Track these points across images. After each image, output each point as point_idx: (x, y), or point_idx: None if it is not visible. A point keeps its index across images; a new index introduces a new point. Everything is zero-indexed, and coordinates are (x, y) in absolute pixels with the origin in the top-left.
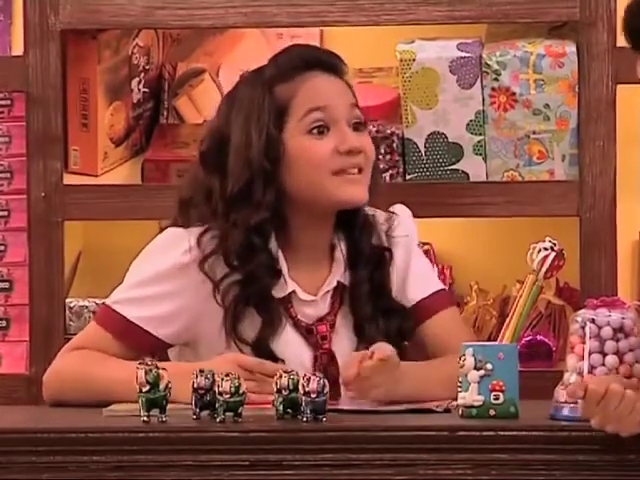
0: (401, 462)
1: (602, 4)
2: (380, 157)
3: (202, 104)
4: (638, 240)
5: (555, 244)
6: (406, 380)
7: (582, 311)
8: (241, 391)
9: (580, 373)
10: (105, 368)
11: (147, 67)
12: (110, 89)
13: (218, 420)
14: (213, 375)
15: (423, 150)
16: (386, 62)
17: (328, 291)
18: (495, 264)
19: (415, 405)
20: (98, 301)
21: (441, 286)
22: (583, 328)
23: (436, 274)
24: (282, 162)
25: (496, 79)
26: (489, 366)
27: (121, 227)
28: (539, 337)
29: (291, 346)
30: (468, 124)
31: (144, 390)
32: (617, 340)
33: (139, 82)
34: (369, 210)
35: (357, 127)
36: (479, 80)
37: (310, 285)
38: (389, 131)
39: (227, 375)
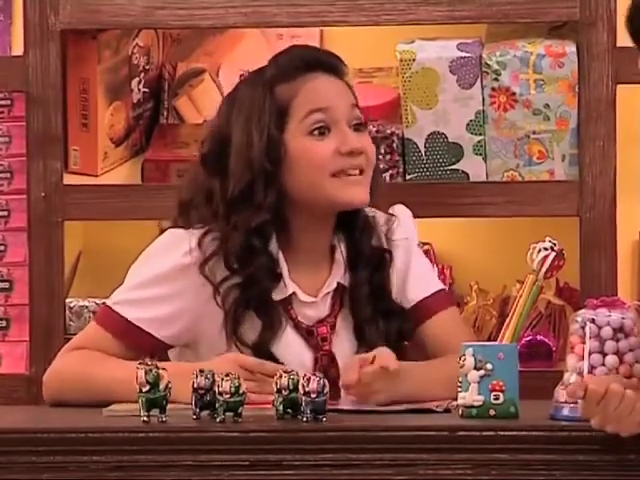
0: (401, 462)
1: (602, 4)
2: (380, 157)
3: (202, 104)
4: (638, 240)
5: (555, 244)
6: (406, 380)
7: (582, 311)
8: (241, 391)
9: (580, 373)
10: (105, 368)
11: (147, 67)
12: (110, 89)
13: (218, 420)
14: (213, 375)
15: (423, 150)
16: (386, 62)
17: (328, 292)
18: (495, 264)
19: (415, 405)
20: (98, 301)
21: (441, 286)
22: (583, 328)
23: (436, 274)
24: (283, 163)
25: (496, 79)
26: (489, 366)
27: (121, 227)
28: (539, 337)
29: (292, 348)
30: (468, 124)
31: (144, 390)
32: (617, 340)
33: (139, 82)
34: (369, 211)
35: (358, 127)
36: (479, 80)
37: (310, 286)
38: (389, 131)
39: (227, 375)
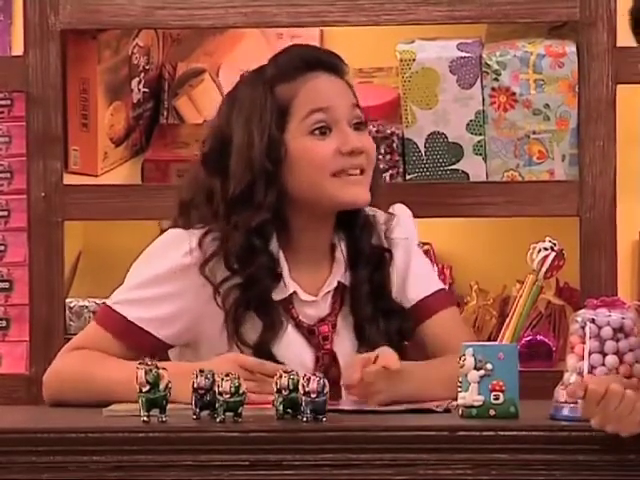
0: (401, 462)
1: (602, 4)
2: (380, 157)
3: (202, 104)
4: (638, 240)
5: (555, 244)
6: (407, 380)
7: (582, 311)
8: (241, 391)
9: (580, 373)
10: (105, 368)
11: (147, 67)
12: (110, 89)
13: (218, 420)
14: (213, 375)
15: (423, 150)
16: (386, 62)
17: (329, 291)
18: (495, 264)
19: (415, 405)
20: (98, 301)
21: (441, 286)
22: (583, 328)
23: (436, 274)
24: (284, 163)
25: (496, 79)
26: (489, 366)
27: (121, 227)
28: (539, 337)
29: (293, 347)
30: (468, 124)
31: (144, 390)
32: (617, 340)
33: (139, 82)
34: (369, 210)
35: (358, 127)
36: (479, 80)
37: (311, 286)
38: (389, 131)
39: (227, 375)
